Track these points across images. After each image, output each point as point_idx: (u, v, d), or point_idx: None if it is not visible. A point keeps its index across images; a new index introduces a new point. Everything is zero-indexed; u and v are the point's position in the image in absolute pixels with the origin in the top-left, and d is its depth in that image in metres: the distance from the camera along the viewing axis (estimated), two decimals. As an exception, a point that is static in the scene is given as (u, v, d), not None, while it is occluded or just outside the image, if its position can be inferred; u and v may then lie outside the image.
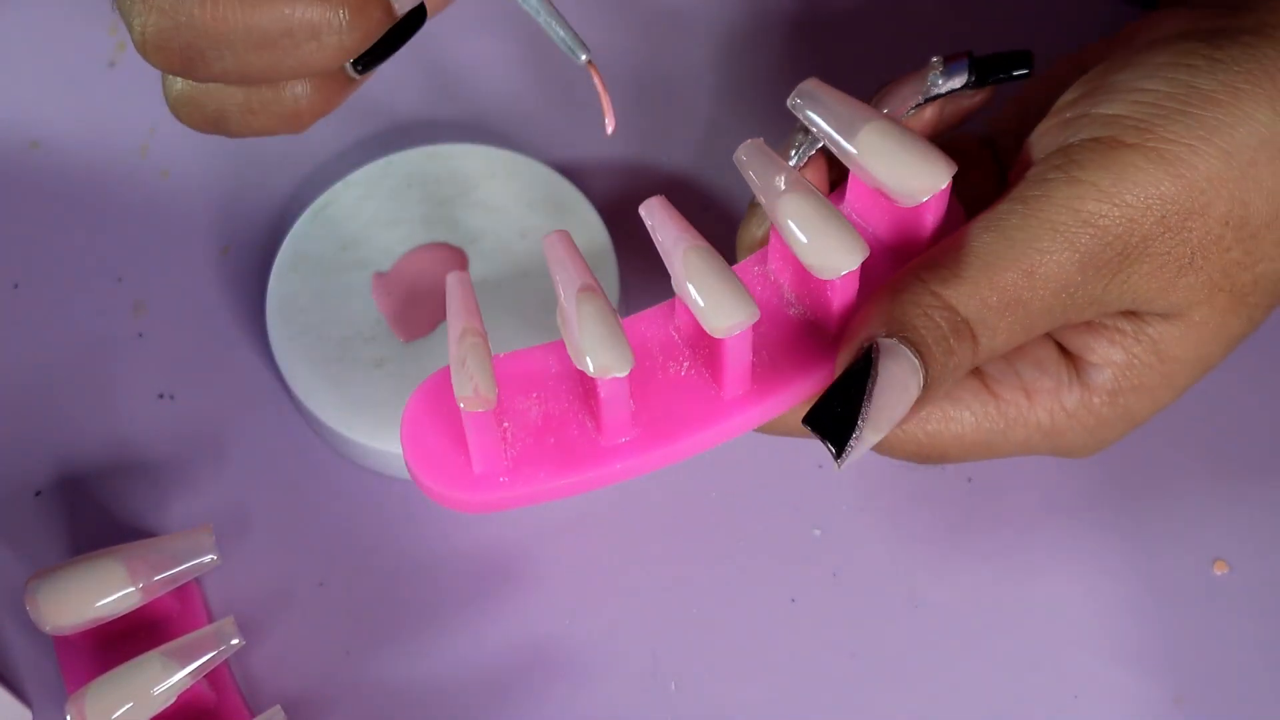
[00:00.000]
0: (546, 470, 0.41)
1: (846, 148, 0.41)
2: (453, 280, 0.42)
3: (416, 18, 0.41)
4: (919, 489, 0.52)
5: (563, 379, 0.42)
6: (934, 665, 0.50)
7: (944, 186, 0.41)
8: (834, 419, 0.39)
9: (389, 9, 0.40)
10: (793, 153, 0.46)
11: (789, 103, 0.42)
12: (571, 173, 0.56)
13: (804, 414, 0.40)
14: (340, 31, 0.39)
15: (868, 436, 0.39)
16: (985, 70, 0.46)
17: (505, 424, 0.42)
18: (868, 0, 0.60)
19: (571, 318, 0.40)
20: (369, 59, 0.41)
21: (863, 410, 0.39)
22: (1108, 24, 0.60)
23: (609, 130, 0.41)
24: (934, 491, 0.52)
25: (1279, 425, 0.53)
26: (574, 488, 0.42)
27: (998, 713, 0.49)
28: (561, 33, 0.40)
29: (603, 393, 0.40)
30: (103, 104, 0.59)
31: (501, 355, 0.43)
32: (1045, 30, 0.60)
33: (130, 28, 0.40)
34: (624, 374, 0.39)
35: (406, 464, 0.42)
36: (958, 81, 0.46)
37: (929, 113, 0.47)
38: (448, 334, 0.41)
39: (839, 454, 0.39)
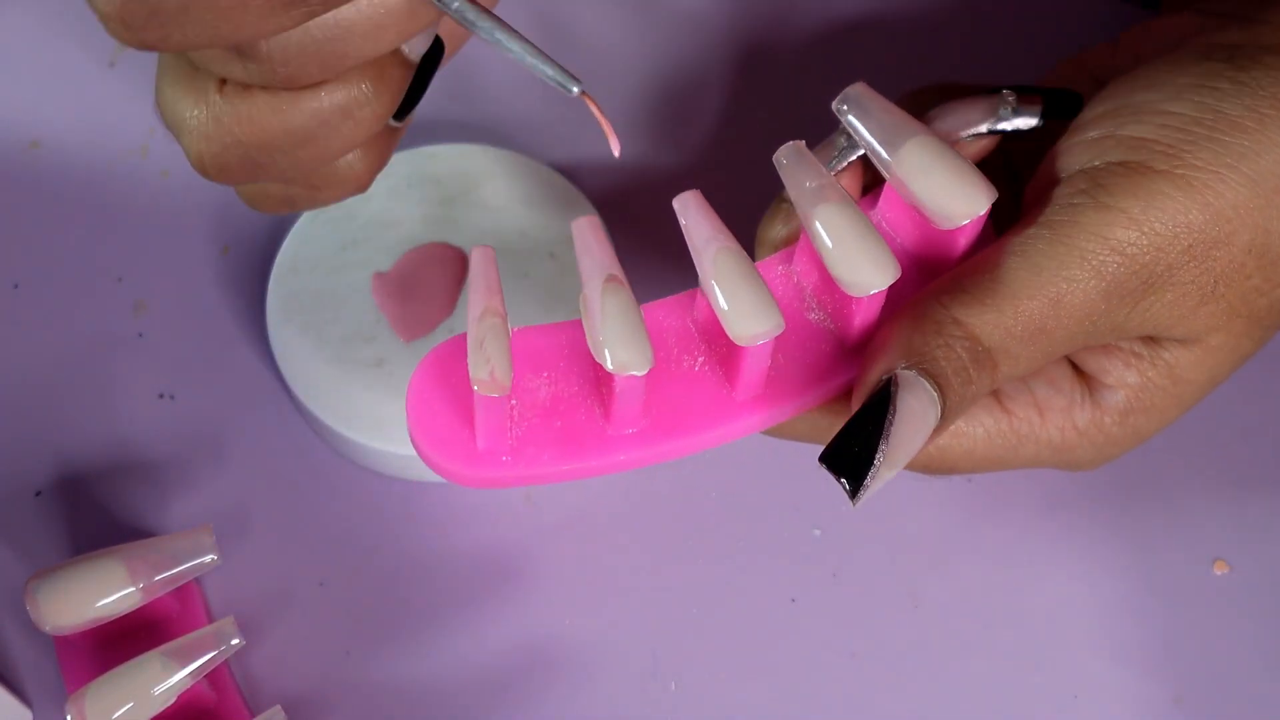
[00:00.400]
0: (550, 454, 0.41)
1: (887, 160, 0.41)
2: (478, 257, 0.41)
3: (435, 54, 0.41)
4: (919, 489, 0.52)
5: (575, 361, 0.42)
6: (934, 665, 0.50)
7: (982, 213, 0.41)
8: (851, 459, 0.38)
9: (405, 63, 0.40)
10: (834, 156, 0.45)
11: (834, 106, 0.42)
12: (571, 173, 0.56)
13: (811, 420, 0.40)
14: (370, 103, 0.40)
15: (884, 474, 0.39)
16: (1049, 112, 0.46)
17: (513, 401, 0.42)
18: (869, 1, 0.61)
19: (595, 309, 0.39)
20: (404, 107, 0.41)
21: (880, 448, 0.38)
22: (1108, 24, 0.60)
23: (615, 153, 0.41)
24: (934, 491, 0.52)
25: (1279, 426, 0.53)
26: (576, 473, 0.42)
27: (998, 713, 0.49)
28: (549, 70, 0.40)
29: (618, 388, 0.40)
30: (103, 104, 0.59)
31: (516, 330, 0.42)
32: (1045, 30, 0.60)
33: (186, 153, 0.41)
34: (642, 373, 0.39)
35: (410, 433, 0.42)
36: (1024, 122, 0.45)
37: (984, 143, 0.46)
38: (468, 312, 0.40)
39: (855, 494, 0.38)
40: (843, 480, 0.38)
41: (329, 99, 0.39)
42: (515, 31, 0.39)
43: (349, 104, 0.40)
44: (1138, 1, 0.60)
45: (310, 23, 0.38)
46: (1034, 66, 0.57)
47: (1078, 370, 0.45)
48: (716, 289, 0.39)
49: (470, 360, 0.39)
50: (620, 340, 0.39)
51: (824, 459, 0.39)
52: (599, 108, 0.40)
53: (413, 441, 0.42)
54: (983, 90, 0.47)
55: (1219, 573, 0.51)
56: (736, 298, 0.39)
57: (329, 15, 0.38)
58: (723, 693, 0.49)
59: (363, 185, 0.44)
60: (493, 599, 0.51)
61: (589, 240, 0.41)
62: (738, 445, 0.52)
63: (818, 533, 0.52)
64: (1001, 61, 0.59)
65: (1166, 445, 0.52)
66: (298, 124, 0.40)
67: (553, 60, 0.39)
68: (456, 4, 0.39)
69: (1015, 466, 0.46)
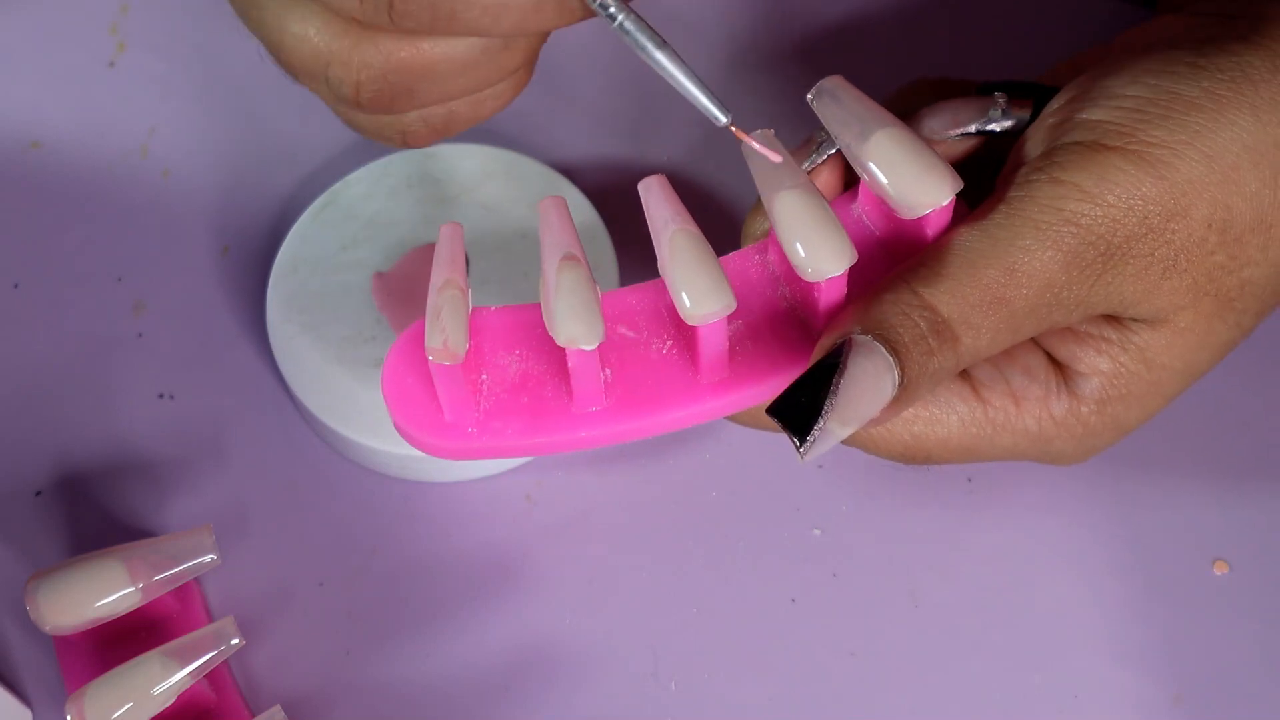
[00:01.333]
0: (514, 428, 0.42)
1: (855, 150, 0.41)
2: (446, 231, 0.42)
3: None
4: (919, 489, 0.52)
5: (545, 340, 0.42)
6: (934, 665, 0.50)
7: (945, 203, 0.41)
8: (797, 409, 0.39)
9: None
10: (813, 149, 0.46)
11: (808, 98, 0.42)
12: (571, 173, 0.56)
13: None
14: None
15: (833, 429, 0.39)
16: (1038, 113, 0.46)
17: (483, 376, 0.42)
18: (867, 1, 0.60)
19: (550, 284, 0.40)
20: None
21: (827, 403, 0.39)
22: (1108, 24, 0.60)
23: (776, 160, 0.42)
24: (934, 491, 0.52)
25: (1278, 425, 0.53)
26: (540, 448, 0.42)
27: (998, 713, 0.49)
28: (703, 98, 0.41)
29: (570, 362, 0.41)
30: (103, 104, 0.59)
31: (492, 308, 0.43)
32: (1045, 31, 0.60)
33: (337, 86, 0.41)
34: (591, 347, 0.40)
35: (385, 402, 0.43)
36: (1012, 123, 0.46)
37: (972, 142, 0.46)
38: (430, 283, 0.41)
39: (800, 443, 0.39)
40: (788, 430, 0.39)
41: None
42: (676, 53, 0.41)
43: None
44: (1138, 1, 0.60)
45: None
46: (1031, 67, 0.57)
47: (1053, 361, 0.45)
48: (671, 269, 0.40)
49: (427, 329, 0.40)
50: (570, 314, 0.40)
51: (771, 410, 0.39)
52: (748, 135, 0.41)
53: (388, 410, 0.43)
54: (973, 86, 0.47)
55: (1219, 573, 0.51)
56: (688, 277, 0.40)
57: None
58: (723, 693, 0.49)
59: (521, 88, 0.43)
60: (493, 599, 0.51)
61: (551, 219, 0.41)
62: (737, 445, 0.52)
63: (818, 533, 0.52)
64: (998, 61, 0.59)
65: (1166, 444, 0.52)
66: (460, 53, 0.40)
67: (708, 89, 0.41)
68: (621, 17, 0.39)
69: (994, 457, 0.46)
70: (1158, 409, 0.45)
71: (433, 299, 0.40)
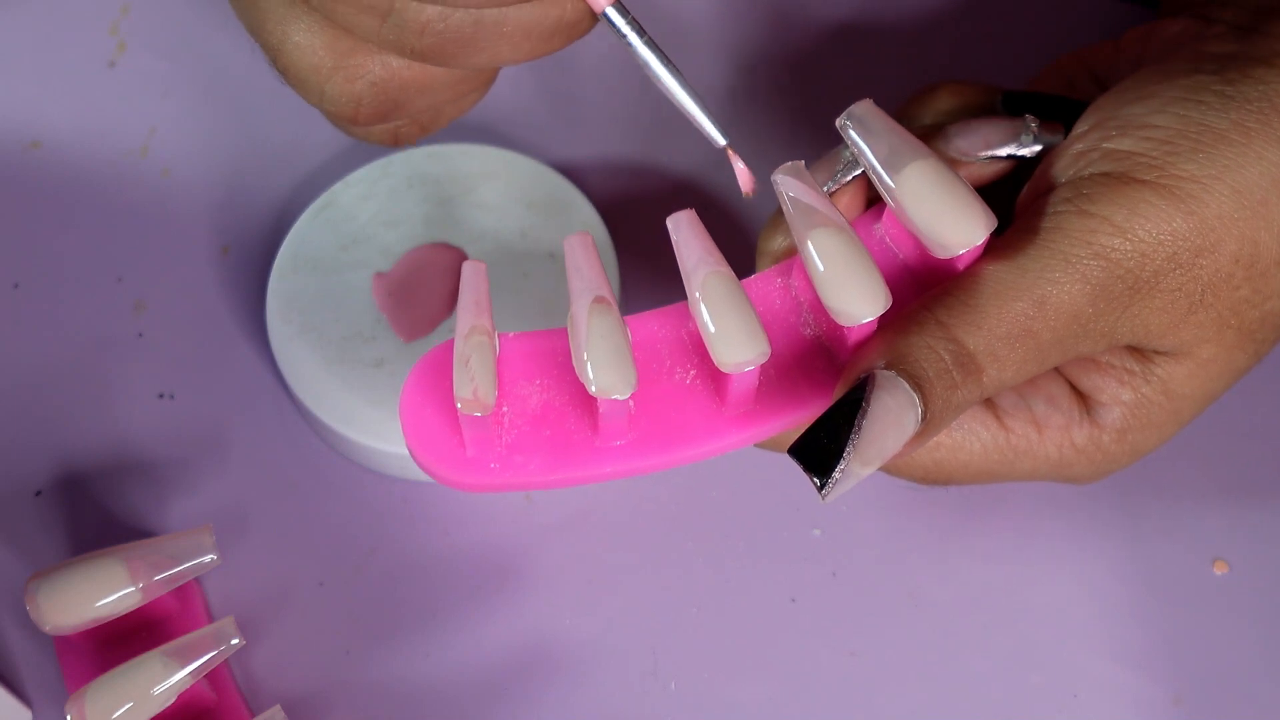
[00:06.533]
0: (537, 463, 0.41)
1: (888, 182, 0.40)
2: (469, 271, 0.41)
3: None
4: (919, 489, 0.52)
5: (567, 370, 0.42)
6: (934, 665, 0.50)
7: (979, 243, 0.40)
8: (819, 450, 0.38)
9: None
10: (838, 169, 0.44)
11: (838, 123, 0.41)
12: (571, 173, 0.56)
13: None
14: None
15: (855, 469, 0.38)
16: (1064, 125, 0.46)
17: (505, 408, 0.42)
18: (869, 1, 0.60)
19: (581, 329, 0.39)
20: None
21: (849, 442, 0.38)
22: (1108, 24, 0.60)
23: (746, 191, 0.42)
24: (934, 492, 0.52)
25: (1278, 426, 0.53)
26: (563, 482, 0.42)
27: (998, 712, 0.49)
28: (705, 122, 0.41)
29: (601, 408, 0.40)
30: (103, 104, 0.59)
31: (510, 335, 0.42)
32: (1045, 30, 0.60)
33: (333, 100, 0.42)
34: (625, 397, 0.39)
35: (404, 436, 0.42)
36: (1042, 147, 0.45)
37: (1001, 165, 0.46)
38: (456, 328, 0.40)
39: (822, 486, 0.38)
40: (810, 473, 0.38)
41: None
42: (680, 72, 0.41)
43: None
44: (1138, 1, 0.60)
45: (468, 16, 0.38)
46: (1033, 67, 0.57)
47: (1075, 389, 0.45)
48: (704, 313, 0.39)
49: (455, 377, 0.39)
50: (604, 363, 0.39)
51: (792, 451, 0.39)
52: (738, 157, 0.42)
53: (407, 445, 0.42)
54: (997, 92, 0.47)
55: (1219, 573, 0.51)
56: (722, 323, 0.39)
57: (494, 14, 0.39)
58: (723, 693, 0.49)
59: (493, 81, 0.44)
60: (492, 599, 0.51)
61: (579, 258, 0.40)
62: (738, 445, 0.52)
63: (818, 533, 0.52)
64: (1001, 61, 0.59)
65: (1167, 446, 0.52)
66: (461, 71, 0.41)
67: (710, 112, 0.41)
68: (636, 44, 0.41)
69: (1013, 479, 0.46)
70: (1173, 434, 0.46)
71: (460, 346, 0.39)
